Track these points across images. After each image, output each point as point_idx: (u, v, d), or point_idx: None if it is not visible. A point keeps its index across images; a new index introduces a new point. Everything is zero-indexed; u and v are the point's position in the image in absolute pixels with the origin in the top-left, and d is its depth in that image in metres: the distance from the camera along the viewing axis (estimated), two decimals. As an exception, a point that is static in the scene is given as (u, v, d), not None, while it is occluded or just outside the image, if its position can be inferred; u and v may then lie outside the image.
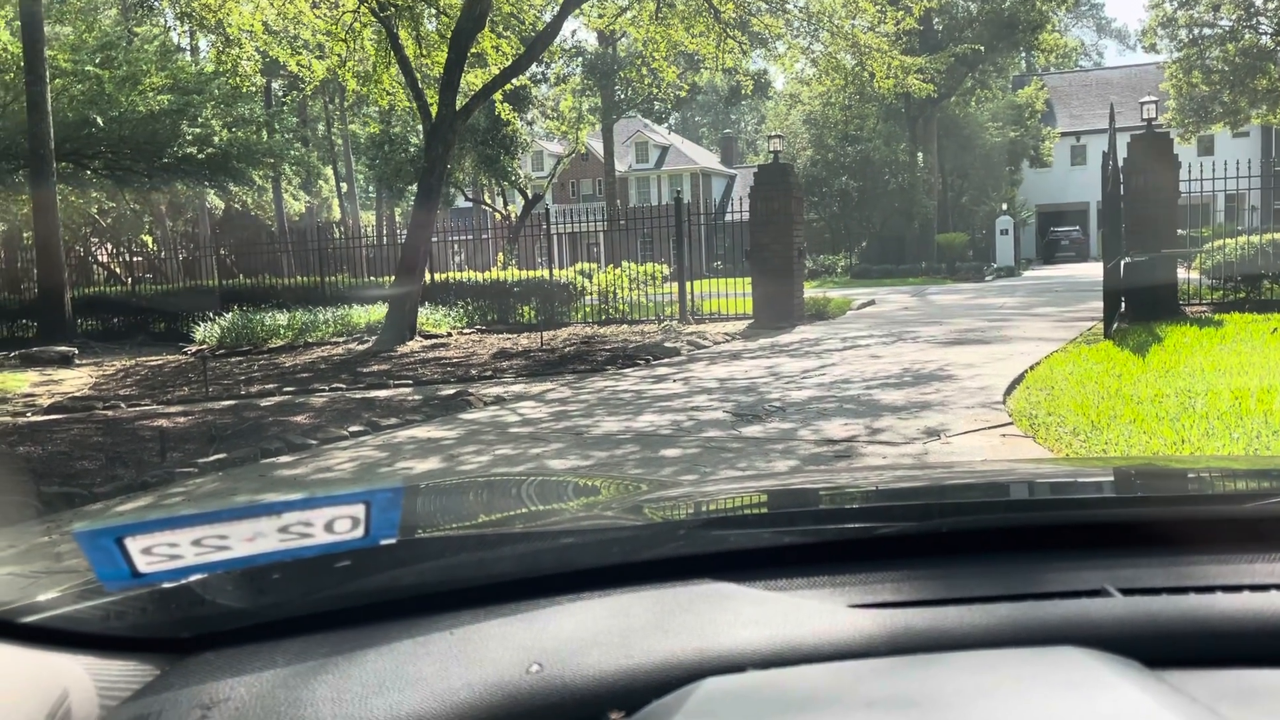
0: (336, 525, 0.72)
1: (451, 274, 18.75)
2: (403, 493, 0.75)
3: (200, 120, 21.16)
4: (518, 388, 9.20)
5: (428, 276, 16.02)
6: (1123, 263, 11.40)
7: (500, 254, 21.23)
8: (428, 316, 15.47)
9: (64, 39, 21.00)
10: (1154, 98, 14.12)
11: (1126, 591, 0.86)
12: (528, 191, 30.41)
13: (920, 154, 35.44)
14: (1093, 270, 19.45)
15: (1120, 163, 12.29)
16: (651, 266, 17.97)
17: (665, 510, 1.31)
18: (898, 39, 17.20)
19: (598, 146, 42.00)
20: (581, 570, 0.93)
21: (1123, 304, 11.76)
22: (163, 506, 4.88)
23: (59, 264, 17.40)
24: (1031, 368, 8.43)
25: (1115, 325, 10.76)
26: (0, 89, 20.00)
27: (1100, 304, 11.15)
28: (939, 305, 18.28)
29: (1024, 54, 40.92)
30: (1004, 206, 37.13)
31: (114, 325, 19.14)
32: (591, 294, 17.54)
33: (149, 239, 27.61)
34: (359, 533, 0.73)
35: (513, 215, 30.46)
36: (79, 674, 0.76)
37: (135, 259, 22.78)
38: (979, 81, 34.55)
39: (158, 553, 0.69)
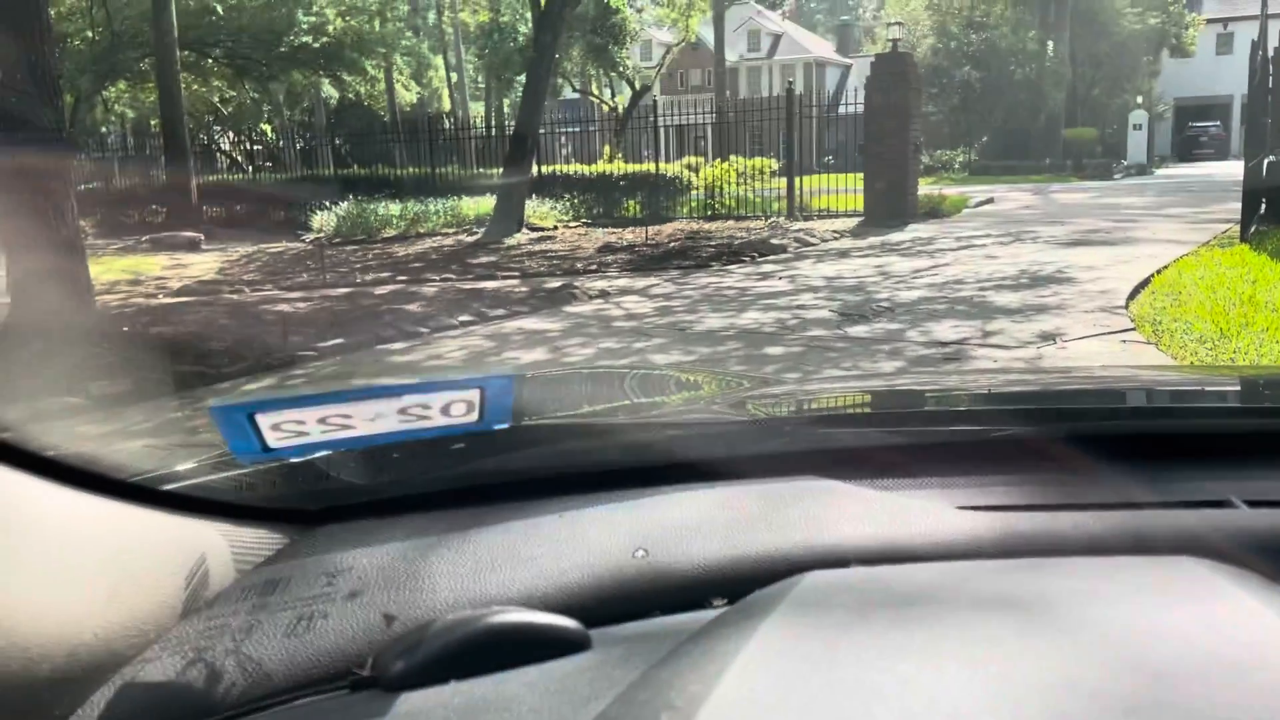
0: (452, 409, 0.74)
1: (558, 166, 18.71)
2: (515, 380, 0.76)
3: (315, 9, 21.32)
4: (622, 282, 9.23)
5: (534, 169, 16.02)
6: (1266, 161, 10.64)
7: (606, 147, 21.04)
8: (534, 209, 15.54)
9: (183, -73, 21.23)
10: (1316, -21, 12.89)
11: (1253, 504, 0.83)
12: (635, 82, 29.89)
13: (1050, 42, 33.40)
14: (1233, 169, 18.23)
15: (1270, 52, 11.36)
16: (760, 161, 17.56)
17: (770, 406, 1.31)
18: (1033, -84, 16.07)
19: (708, 35, 40.78)
20: (687, 462, 0.94)
21: (1263, 205, 11.03)
22: (286, 387, 5.12)
23: (185, 151, 18.00)
24: (1158, 271, 8.03)
25: (1253, 228, 10.12)
26: (126, -22, 20.45)
27: (1238, 205, 10.49)
28: (1062, 204, 17.46)
29: (1172, -69, 37.76)
30: (1139, 99, 34.83)
31: (236, 212, 19.76)
32: (698, 189, 17.28)
33: (268, 128, 28.28)
34: (474, 417, 0.75)
35: (620, 107, 30.06)
36: (215, 539, 0.81)
37: (255, 148, 23.39)
38: (1120, -38, 32.16)
39: (286, 429, 0.71)
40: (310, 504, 0.89)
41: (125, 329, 7.00)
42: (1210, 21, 41.71)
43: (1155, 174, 28.74)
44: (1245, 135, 12.27)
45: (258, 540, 0.84)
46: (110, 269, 11.82)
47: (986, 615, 0.63)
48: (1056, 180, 26.17)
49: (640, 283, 9.10)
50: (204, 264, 12.70)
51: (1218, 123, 40.53)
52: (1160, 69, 39.20)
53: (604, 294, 8.37)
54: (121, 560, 0.71)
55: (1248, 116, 11.98)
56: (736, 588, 0.74)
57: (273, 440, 0.72)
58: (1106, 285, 7.46)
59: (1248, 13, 39.53)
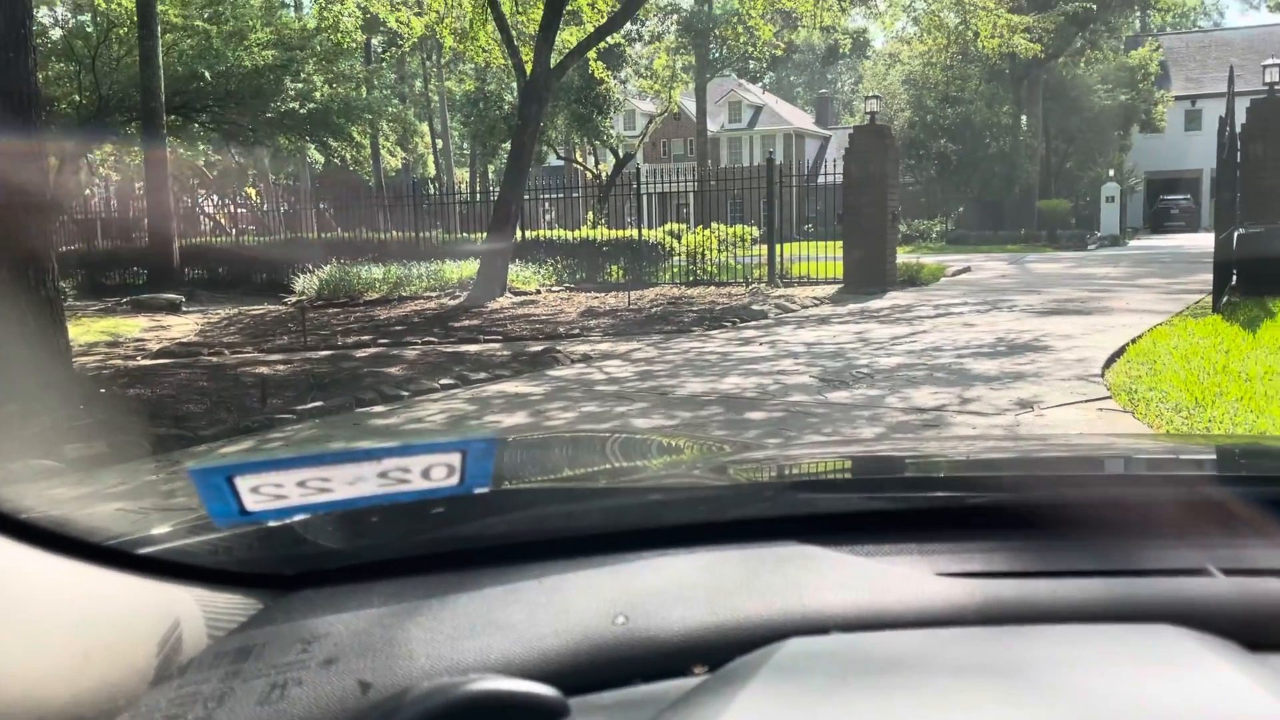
0: (433, 472, 0.74)
1: (542, 232, 18.89)
2: (496, 444, 0.76)
3: (302, 76, 21.62)
4: (604, 346, 9.26)
5: (519, 234, 16.16)
6: (1236, 234, 10.88)
7: (590, 213, 21.28)
8: (518, 273, 15.64)
9: (175, -6, 21.59)
10: (1277, 60, 13.33)
11: (1229, 572, 0.83)
12: (619, 150, 30.36)
13: (1024, 117, 34.22)
14: (1203, 241, 18.62)
15: (1238, 129, 11.69)
16: (741, 228, 17.80)
17: (751, 471, 1.31)
18: (1004, -4, 16.59)
19: (690, 106, 41.61)
20: (667, 527, 0.94)
21: (1234, 277, 11.24)
22: (263, 450, 5.07)
23: (168, 214, 18.07)
24: (1133, 341, 8.13)
25: (1225, 299, 10.30)
26: (114, 43, 20.71)
27: (1210, 276, 10.69)
28: (1038, 274, 17.73)
29: (1139, 13, 39.00)
30: (1111, 173, 35.64)
31: (219, 274, 19.80)
32: (680, 255, 17.47)
33: (252, 191, 28.45)
34: (454, 480, 0.75)
35: (603, 174, 30.49)
36: (190, 604, 0.80)
37: (239, 211, 23.51)
38: (1089, 41, 33.08)
39: (265, 492, 0.71)
40: (286, 568, 0.88)
41: (102, 391, 6.95)
42: (1179, 98, 42.88)
43: (1128, 245, 29.27)
44: (1215, 209, 12.56)
45: (232, 605, 0.83)
46: (89, 330, 11.76)
47: (966, 682, 0.63)
48: (1032, 250, 26.61)
49: (622, 347, 9.13)
50: (184, 326, 12.66)
51: (1188, 196, 41.45)
52: (1131, 143, 40.15)
53: (586, 358, 8.39)
54: (93, 625, 0.70)
55: (1217, 191, 12.28)
56: (717, 655, 0.73)
57: (251, 503, 0.72)
58: (1083, 354, 7.54)
59: (1215, 90, 40.69)
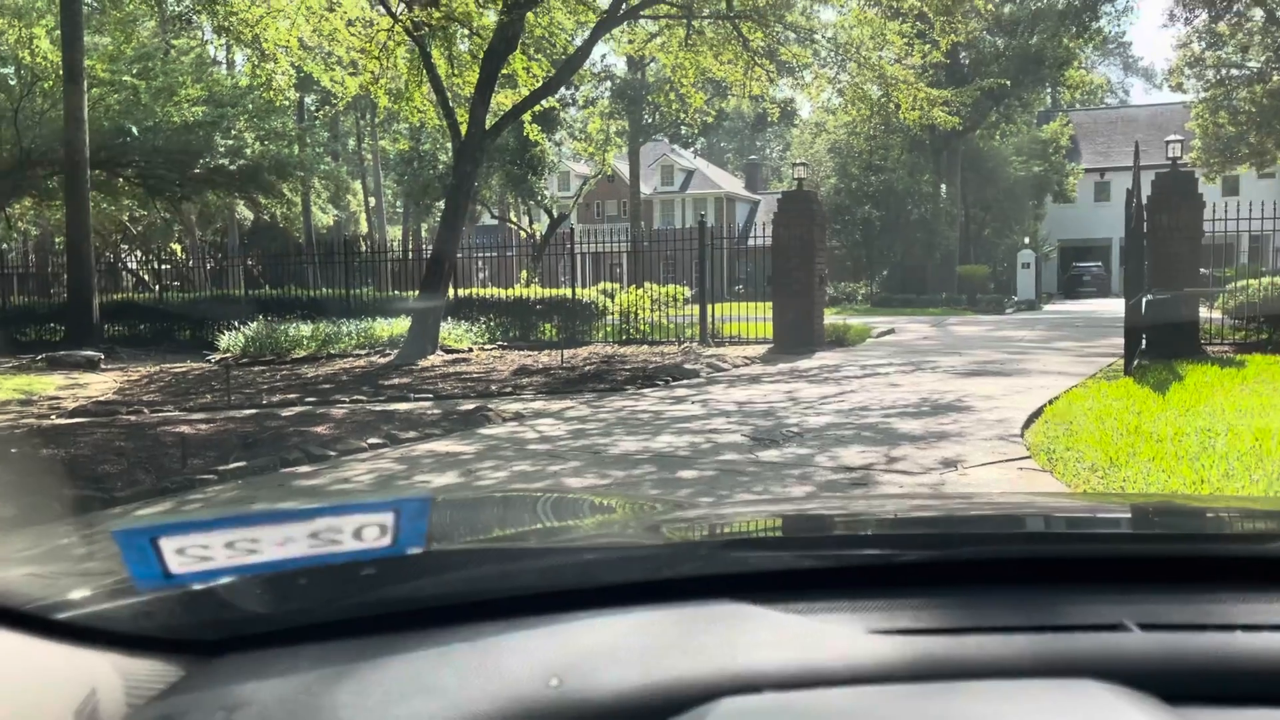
0: (365, 533, 0.74)
1: (475, 290, 18.85)
2: (430, 503, 0.76)
3: (233, 132, 21.43)
4: (537, 405, 9.22)
5: (451, 292, 16.11)
6: (1145, 300, 11.32)
7: (524, 272, 21.33)
8: (450, 331, 15.55)
9: (103, 49, 21.33)
10: (1179, 137, 14.05)
11: (1145, 627, 0.86)
12: (553, 211, 30.58)
13: (943, 185, 35.38)
14: (1114, 306, 19.36)
15: (1144, 200, 12.23)
16: (673, 288, 18.00)
17: (685, 530, 1.32)
18: (924, 72, 17.25)
19: (624, 168, 42.21)
20: (602, 586, 0.93)
21: (1144, 341, 11.68)
22: (182, 513, 4.91)
23: (89, 269, 17.61)
24: (1050, 402, 8.37)
25: (1136, 362, 10.68)
26: (38, 97, 20.33)
27: (1121, 340, 11.09)
28: (958, 336, 18.20)
29: (1050, 90, 40.87)
30: (1026, 240, 36.98)
31: (141, 331, 19.31)
32: (613, 314, 17.57)
33: (178, 247, 27.94)
34: (386, 541, 0.74)
35: (538, 234, 30.64)
36: (107, 671, 0.77)
37: (164, 267, 23.04)
38: (1004, 115, 34.51)
39: (190, 554, 0.70)
40: (210, 633, 0.86)
41: (14, 451, 6.68)
42: (1089, 171, 44.90)
43: (1043, 309, 30.29)
44: (1124, 275, 13.08)
45: (152, 672, 0.81)
46: (1, 388, 11.34)
47: None
48: (952, 313, 27.35)
49: (555, 405, 9.11)
50: (102, 384, 12.28)
51: (1099, 263, 43.21)
52: (1045, 213, 41.83)
53: (519, 416, 8.34)
54: (3, 693, 0.67)
55: (1126, 258, 12.81)
56: (651, 716, 0.73)
57: (175, 565, 0.70)
58: (1003, 414, 7.73)
59: (1122, 164, 42.65)
